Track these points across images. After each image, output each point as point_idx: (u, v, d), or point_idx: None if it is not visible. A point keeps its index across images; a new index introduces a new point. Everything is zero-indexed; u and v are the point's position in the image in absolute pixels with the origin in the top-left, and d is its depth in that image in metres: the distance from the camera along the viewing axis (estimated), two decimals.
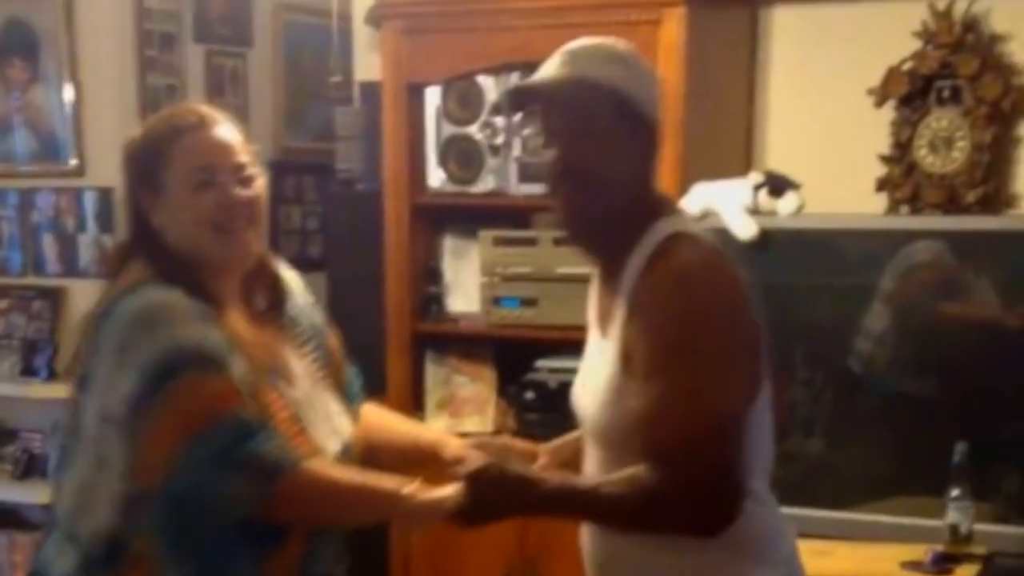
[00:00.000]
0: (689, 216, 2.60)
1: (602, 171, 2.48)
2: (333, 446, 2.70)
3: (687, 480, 2.27)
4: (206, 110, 2.72)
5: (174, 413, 2.45)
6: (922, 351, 3.92)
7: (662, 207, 2.55)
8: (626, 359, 2.42)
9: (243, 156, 2.68)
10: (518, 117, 4.23)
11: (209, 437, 2.44)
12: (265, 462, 2.47)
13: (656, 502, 2.31)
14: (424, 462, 2.88)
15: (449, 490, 2.51)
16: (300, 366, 2.76)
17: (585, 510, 2.46)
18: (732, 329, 2.38)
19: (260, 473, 2.46)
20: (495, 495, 2.45)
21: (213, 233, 2.62)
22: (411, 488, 2.56)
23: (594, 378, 2.53)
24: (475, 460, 2.58)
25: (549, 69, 2.53)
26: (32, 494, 5.53)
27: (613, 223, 2.50)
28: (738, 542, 2.41)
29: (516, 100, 2.70)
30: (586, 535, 2.61)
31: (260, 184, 2.70)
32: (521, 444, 2.94)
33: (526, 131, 4.41)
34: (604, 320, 2.55)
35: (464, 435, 2.97)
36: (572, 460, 2.76)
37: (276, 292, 2.80)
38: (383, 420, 3.01)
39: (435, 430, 3.07)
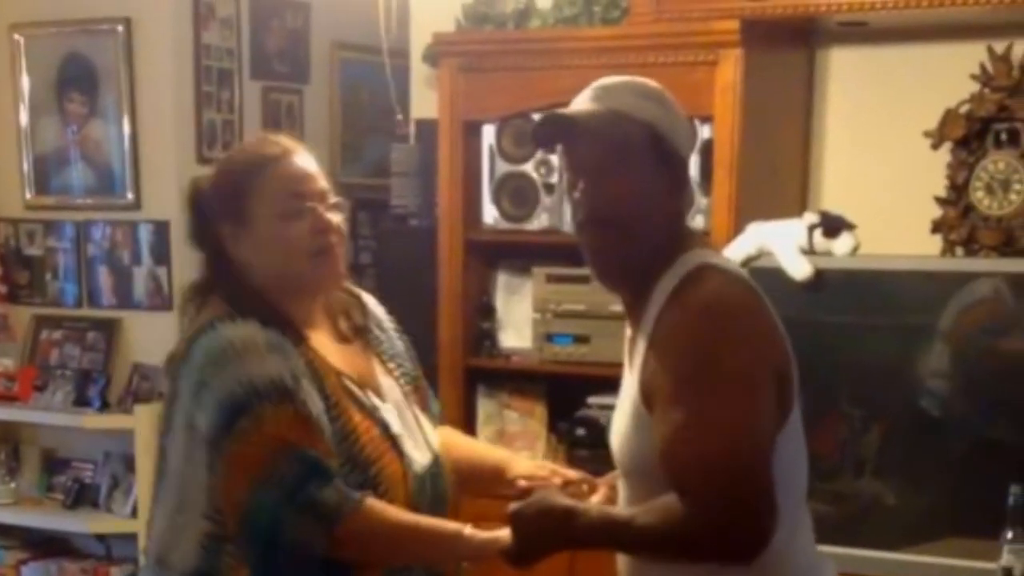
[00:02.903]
0: (713, 248, 2.59)
1: (632, 209, 2.44)
2: (423, 458, 2.73)
3: (717, 509, 2.25)
4: (286, 140, 2.74)
5: (246, 450, 2.48)
6: (975, 391, 3.90)
7: (688, 240, 2.52)
8: (645, 391, 2.41)
9: (325, 182, 2.71)
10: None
11: (276, 478, 2.46)
12: (326, 507, 2.48)
13: (689, 532, 2.29)
14: (489, 481, 2.93)
15: (504, 531, 2.51)
16: (388, 382, 2.79)
17: (623, 541, 2.44)
18: (756, 358, 2.36)
19: (321, 518, 2.48)
20: (538, 530, 2.45)
21: (309, 258, 2.64)
22: (469, 530, 2.59)
23: (620, 413, 2.53)
24: (521, 498, 2.57)
25: (580, 103, 2.50)
26: (82, 523, 5.60)
27: (641, 259, 2.47)
28: (772, 572, 2.39)
29: (547, 132, 2.57)
30: (622, 562, 2.60)
31: (343, 211, 2.73)
32: (576, 475, 2.91)
33: None
34: (630, 354, 2.53)
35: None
36: None
37: (359, 312, 2.83)
38: (456, 440, 3.02)
39: (501, 450, 3.11)
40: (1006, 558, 3.46)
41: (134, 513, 5.43)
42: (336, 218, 2.69)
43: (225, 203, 2.66)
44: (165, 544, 2.63)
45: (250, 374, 2.50)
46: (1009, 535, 3.44)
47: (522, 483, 2.79)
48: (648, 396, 2.40)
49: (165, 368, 2.66)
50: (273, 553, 2.49)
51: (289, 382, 2.52)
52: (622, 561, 2.60)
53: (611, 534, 2.42)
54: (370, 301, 2.91)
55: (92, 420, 5.48)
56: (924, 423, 3.93)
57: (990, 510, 3.50)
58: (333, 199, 2.70)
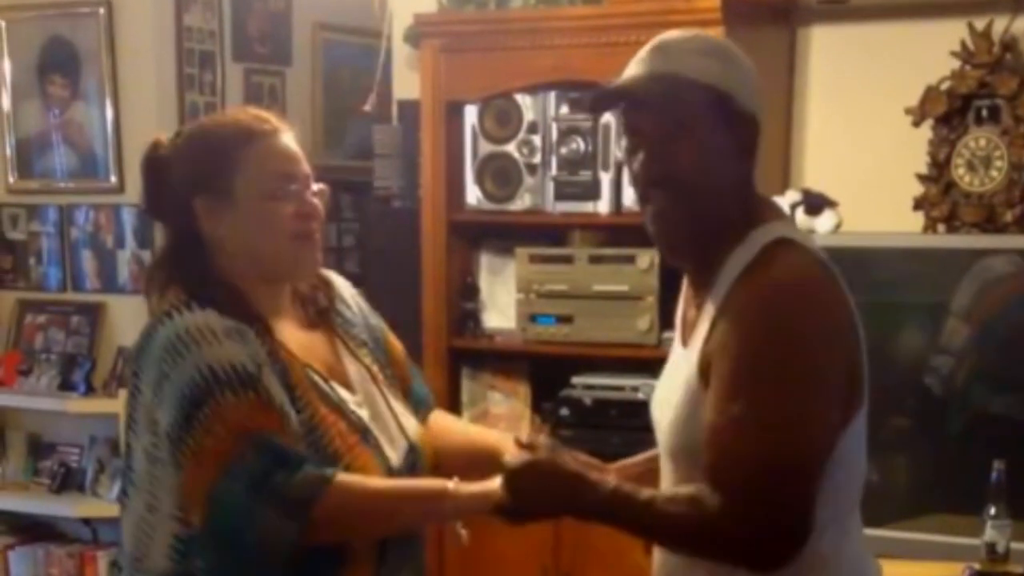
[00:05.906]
0: (791, 221, 2.38)
1: (697, 176, 2.27)
2: (397, 451, 2.60)
3: (752, 515, 2.11)
4: (274, 117, 2.59)
5: (209, 442, 2.35)
6: (960, 368, 3.91)
7: (762, 212, 2.34)
8: (703, 367, 2.24)
9: (308, 167, 2.58)
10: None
11: (241, 468, 2.34)
12: (297, 492, 2.35)
13: (714, 531, 2.15)
14: (484, 465, 2.68)
15: (495, 483, 2.39)
16: (356, 370, 2.66)
17: (636, 523, 2.25)
18: (828, 354, 2.19)
19: (294, 504, 2.34)
20: (539, 492, 2.31)
21: (291, 241, 2.52)
22: (454, 484, 2.46)
23: (671, 390, 2.36)
24: (521, 454, 2.40)
25: (638, 65, 2.31)
26: (68, 508, 5.59)
27: (709, 231, 2.30)
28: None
29: (601, 103, 2.48)
30: (658, 548, 2.45)
31: (324, 198, 2.60)
32: (586, 460, 2.60)
33: (563, 150, 4.44)
34: (687, 329, 2.38)
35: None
36: (643, 480, 2.53)
37: (325, 294, 2.70)
38: (447, 425, 2.89)
39: (496, 433, 2.91)
40: (989, 533, 3.47)
41: None
42: (319, 203, 2.58)
43: (203, 174, 2.51)
44: (138, 546, 2.50)
45: (209, 361, 2.38)
46: (992, 511, 3.46)
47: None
48: (705, 372, 2.23)
49: (128, 363, 2.54)
50: (238, 550, 2.36)
51: (251, 367, 2.40)
52: (658, 550, 2.44)
53: (623, 513, 2.23)
54: (338, 281, 2.77)
55: (77, 404, 5.48)
56: (907, 400, 3.94)
57: (974, 486, 3.51)
58: (316, 185, 2.58)
